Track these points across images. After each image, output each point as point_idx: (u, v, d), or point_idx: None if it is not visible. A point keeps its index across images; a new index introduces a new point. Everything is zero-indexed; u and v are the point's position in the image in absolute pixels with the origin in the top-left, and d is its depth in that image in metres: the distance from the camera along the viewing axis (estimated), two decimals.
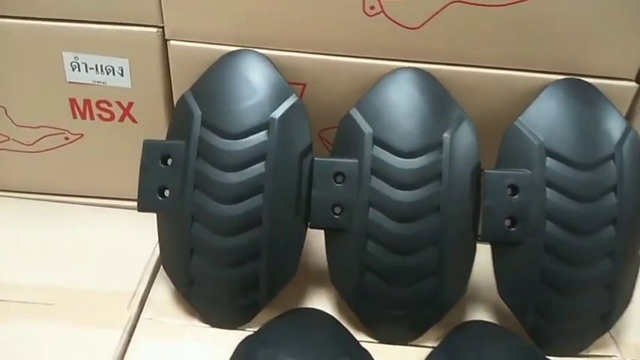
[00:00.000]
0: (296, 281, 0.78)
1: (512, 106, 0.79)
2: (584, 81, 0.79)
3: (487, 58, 0.79)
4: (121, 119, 0.88)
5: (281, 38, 0.79)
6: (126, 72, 0.83)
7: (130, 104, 0.87)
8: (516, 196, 0.73)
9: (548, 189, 0.73)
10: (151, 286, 0.82)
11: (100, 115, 0.88)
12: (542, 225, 0.73)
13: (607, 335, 0.80)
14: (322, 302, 0.82)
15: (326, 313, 0.78)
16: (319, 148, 0.86)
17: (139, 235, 0.86)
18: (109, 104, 0.87)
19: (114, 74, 0.84)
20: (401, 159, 0.73)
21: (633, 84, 0.81)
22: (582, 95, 0.78)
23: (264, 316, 0.76)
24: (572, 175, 0.73)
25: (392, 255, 0.73)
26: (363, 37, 0.78)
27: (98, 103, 0.87)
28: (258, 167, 0.73)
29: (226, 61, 0.79)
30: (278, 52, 0.80)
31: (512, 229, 0.73)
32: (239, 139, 0.74)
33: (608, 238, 0.73)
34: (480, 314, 0.82)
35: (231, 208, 0.73)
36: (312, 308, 0.80)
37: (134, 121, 0.88)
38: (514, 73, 0.80)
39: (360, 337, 0.77)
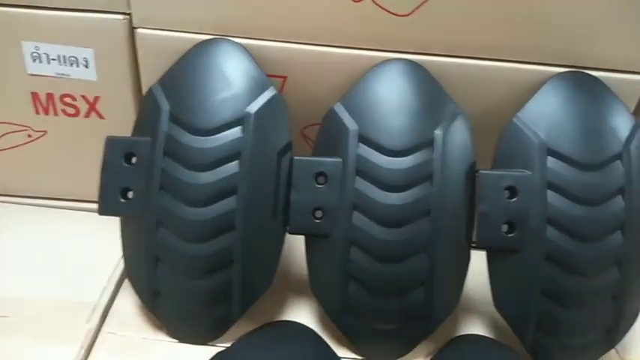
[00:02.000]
0: (274, 292, 0.74)
1: (511, 101, 0.75)
2: (589, 74, 0.75)
3: (484, 49, 0.75)
4: (87, 115, 0.83)
5: (259, 26, 0.74)
6: (91, 63, 0.78)
7: (97, 98, 0.81)
8: (514, 199, 0.68)
9: (549, 191, 0.68)
10: (115, 297, 0.76)
11: (64, 111, 0.83)
12: (543, 231, 0.68)
13: (612, 352, 0.75)
14: (303, 314, 0.77)
15: (306, 327, 0.74)
16: (302, 146, 0.82)
17: (106, 241, 0.78)
18: (74, 98, 0.81)
19: (78, 66, 0.78)
20: (388, 158, 0.68)
21: (639, 77, 0.76)
22: (587, 89, 0.74)
23: (238, 330, 0.71)
24: (575, 177, 0.68)
25: (378, 263, 0.68)
26: (349, 25, 0.73)
27: (62, 97, 0.81)
28: (232, 167, 0.68)
29: (198, 50, 0.73)
30: (256, 42, 0.74)
31: (510, 235, 0.69)
32: (210, 135, 0.69)
33: (615, 246, 0.69)
34: (475, 328, 0.78)
35: (200, 212, 0.67)
36: (291, 321, 0.75)
37: (101, 116, 0.83)
38: (514, 65, 0.75)
39: (342, 353, 0.72)
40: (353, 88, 0.72)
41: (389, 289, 0.69)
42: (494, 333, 0.77)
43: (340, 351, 0.72)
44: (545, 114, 0.71)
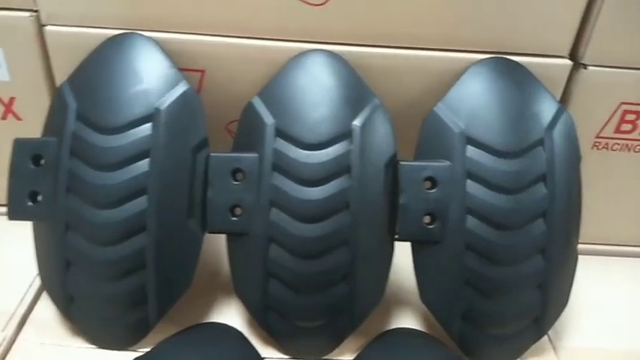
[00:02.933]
0: (202, 293, 0.74)
1: (433, 90, 0.74)
2: (511, 60, 0.74)
3: (404, 37, 0.73)
4: (4, 117, 0.81)
5: (174, 19, 0.72)
6: (2, 63, 0.76)
7: (12, 99, 0.79)
8: (434, 190, 0.67)
9: (469, 181, 0.68)
10: (35, 304, 0.75)
11: None
12: (463, 221, 0.67)
13: (545, 340, 0.76)
14: (231, 315, 0.75)
15: (230, 328, 0.72)
16: (228, 142, 0.78)
17: (28, 247, 0.74)
18: None
19: None
20: (306, 152, 0.67)
21: (567, 61, 0.76)
22: (509, 76, 0.72)
23: (161, 335, 0.69)
24: (495, 165, 0.68)
25: (298, 260, 0.67)
26: (265, 15, 0.72)
27: None
28: (141, 165, 0.66)
29: (108, 46, 0.71)
30: (170, 35, 0.72)
31: (431, 226, 0.68)
32: (118, 133, 0.66)
33: (537, 234, 0.68)
34: (406, 321, 0.77)
35: (110, 214, 0.65)
36: (215, 323, 0.73)
37: (18, 118, 0.81)
38: (435, 53, 0.74)
39: (269, 353, 0.71)
40: (270, 80, 0.70)
41: (310, 285, 0.68)
42: (426, 326, 0.76)
43: (267, 351, 0.71)
44: (466, 102, 0.70)
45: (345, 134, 0.68)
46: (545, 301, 0.70)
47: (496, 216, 0.67)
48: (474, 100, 0.70)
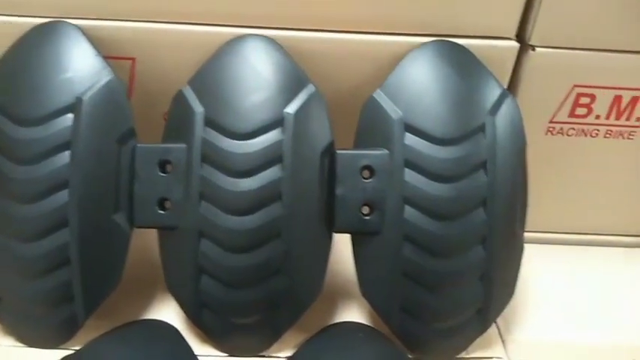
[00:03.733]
0: (136, 289, 0.73)
1: (373, 76, 0.71)
2: (453, 43, 0.71)
3: (341, 21, 0.70)
4: None
5: (101, 6, 0.70)
6: None
7: None
8: (371, 180, 0.66)
9: (407, 170, 0.65)
10: None
11: None
12: (401, 211, 0.65)
13: (494, 333, 0.74)
14: (167, 313, 0.73)
15: (166, 325, 0.70)
16: None
17: None
18: None
19: None
20: (235, 142, 0.64)
21: (513, 43, 0.73)
22: (451, 60, 0.70)
23: (94, 332, 0.67)
24: (434, 153, 0.65)
25: (229, 254, 0.64)
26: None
27: None
28: (62, 157, 0.64)
29: (32, 34, 0.68)
30: (98, 23, 0.70)
31: (368, 217, 0.66)
32: (38, 125, 0.64)
33: (477, 223, 0.66)
34: (353, 314, 0.75)
35: (30, 209, 0.64)
36: (150, 320, 0.72)
37: None
38: (374, 37, 0.71)
39: (205, 350, 0.70)
40: (201, 68, 0.68)
41: (243, 280, 0.65)
42: (371, 320, 0.74)
43: (203, 349, 0.70)
44: (406, 88, 0.68)
45: (277, 122, 0.65)
46: (488, 292, 0.68)
47: (434, 205, 0.65)
48: (413, 85, 0.68)
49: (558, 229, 0.91)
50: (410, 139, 0.66)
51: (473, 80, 0.69)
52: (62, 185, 0.64)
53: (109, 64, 0.67)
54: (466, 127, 0.66)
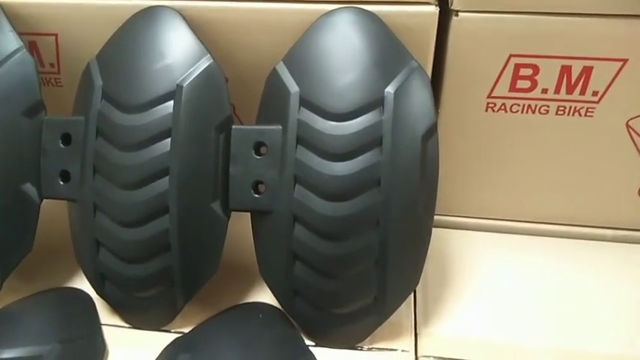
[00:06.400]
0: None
1: (282, 46, 0.67)
2: (363, 10, 0.66)
3: None
4: None
5: None
6: None
7: None
8: (264, 157, 0.65)
9: (299, 147, 0.64)
10: None
11: None
12: (291, 190, 0.64)
13: (406, 324, 0.72)
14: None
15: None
16: None
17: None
18: None
19: None
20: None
21: (432, 8, 0.66)
22: (358, 28, 0.65)
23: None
24: (327, 129, 0.63)
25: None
26: None
27: None
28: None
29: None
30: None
31: (259, 195, 0.66)
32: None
33: (371, 204, 0.63)
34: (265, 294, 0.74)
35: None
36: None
37: None
38: (284, 5, 0.68)
39: (112, 320, 0.74)
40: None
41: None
42: None
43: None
44: (307, 60, 0.65)
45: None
46: (383, 278, 0.65)
47: (325, 185, 0.63)
48: (315, 57, 0.65)
49: (504, 217, 0.87)
50: (305, 114, 0.64)
51: (379, 51, 0.65)
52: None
53: (22, 40, 0.70)
54: (364, 101, 0.63)
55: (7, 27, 0.69)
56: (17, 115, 0.68)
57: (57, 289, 0.77)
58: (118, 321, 0.73)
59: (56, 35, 0.74)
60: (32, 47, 0.73)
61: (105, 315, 0.73)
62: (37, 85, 0.69)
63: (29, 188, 0.69)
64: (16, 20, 0.70)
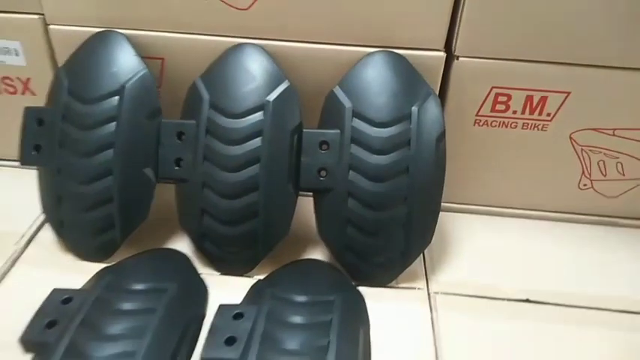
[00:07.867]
0: (161, 225, 0.93)
1: (334, 76, 0.86)
2: (394, 52, 0.86)
3: (311, 34, 0.87)
4: (23, 92, 0.98)
5: (138, 18, 0.88)
6: (20, 52, 0.94)
7: (28, 79, 0.97)
8: (327, 151, 0.82)
9: (352, 145, 0.82)
10: (40, 229, 0.93)
11: (6, 89, 0.99)
12: (346, 174, 0.82)
13: (419, 270, 0.90)
14: (180, 242, 0.93)
15: (178, 252, 0.91)
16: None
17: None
18: (12, 80, 0.97)
19: (10, 54, 0.94)
20: (231, 119, 0.83)
21: (441, 53, 0.86)
22: (392, 65, 0.85)
23: (127, 253, 0.88)
24: (372, 133, 0.82)
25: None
26: (206, 17, 0.87)
27: (3, 79, 0.97)
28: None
29: (91, 41, 0.87)
30: (137, 32, 0.88)
31: (322, 178, 0.82)
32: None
33: (401, 186, 0.82)
34: (316, 253, 0.93)
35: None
36: (168, 249, 0.92)
37: (33, 93, 0.98)
38: (335, 47, 0.87)
39: (206, 270, 0.88)
40: (209, 66, 0.87)
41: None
42: (328, 258, 0.92)
43: (204, 269, 0.89)
44: (356, 85, 0.84)
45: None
46: (408, 238, 0.84)
47: (371, 171, 0.81)
48: (362, 83, 0.84)
49: (494, 204, 1.04)
50: (356, 122, 0.82)
51: (406, 81, 0.84)
52: (109, 146, 0.82)
53: (145, 62, 0.85)
54: (397, 114, 0.82)
55: (132, 52, 0.85)
56: (141, 118, 0.83)
57: (160, 248, 0.90)
58: (211, 271, 0.86)
59: (163, 59, 0.90)
60: None
61: (199, 266, 0.87)
62: (156, 96, 0.84)
63: (149, 171, 0.83)
64: (134, 47, 0.86)
